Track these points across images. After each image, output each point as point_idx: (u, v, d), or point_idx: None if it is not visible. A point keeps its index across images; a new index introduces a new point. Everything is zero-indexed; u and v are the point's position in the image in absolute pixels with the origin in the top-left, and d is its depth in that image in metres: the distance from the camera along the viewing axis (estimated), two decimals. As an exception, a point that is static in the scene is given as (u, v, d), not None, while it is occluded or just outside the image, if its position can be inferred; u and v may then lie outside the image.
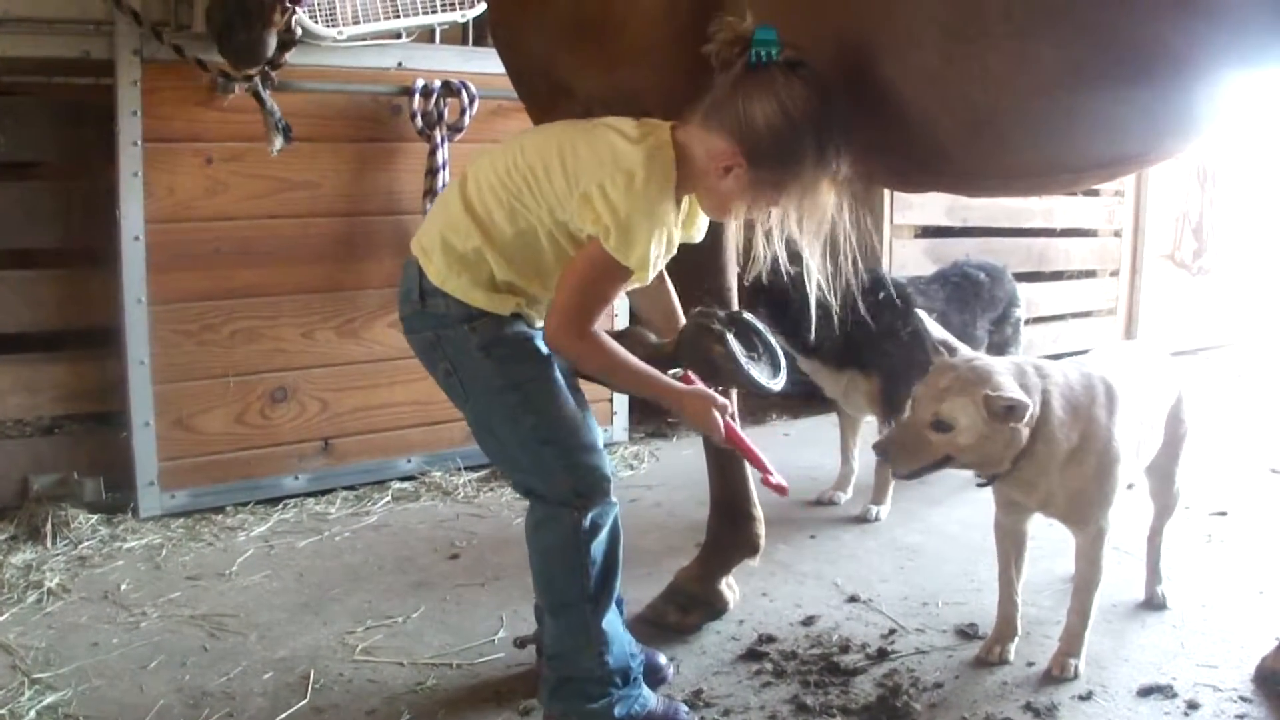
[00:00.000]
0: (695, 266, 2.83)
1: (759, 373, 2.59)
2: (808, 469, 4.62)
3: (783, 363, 2.68)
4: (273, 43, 3.66)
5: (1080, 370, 2.86)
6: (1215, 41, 2.17)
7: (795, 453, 4.97)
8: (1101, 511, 2.85)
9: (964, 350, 2.78)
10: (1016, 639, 3.01)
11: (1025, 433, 2.67)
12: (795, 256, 2.86)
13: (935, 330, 2.84)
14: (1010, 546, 3.00)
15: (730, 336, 2.55)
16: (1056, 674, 2.87)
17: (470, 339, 2.42)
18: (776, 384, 2.64)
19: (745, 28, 2.30)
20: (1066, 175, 2.67)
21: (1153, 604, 3.31)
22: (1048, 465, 2.75)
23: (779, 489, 2.56)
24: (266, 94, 3.91)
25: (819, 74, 2.31)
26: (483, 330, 2.42)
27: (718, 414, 2.49)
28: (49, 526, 3.78)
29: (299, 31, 3.79)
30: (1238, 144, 6.87)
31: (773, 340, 2.68)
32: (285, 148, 3.99)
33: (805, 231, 2.56)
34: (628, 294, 2.66)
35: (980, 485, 2.91)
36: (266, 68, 3.82)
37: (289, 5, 3.60)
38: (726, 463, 3.18)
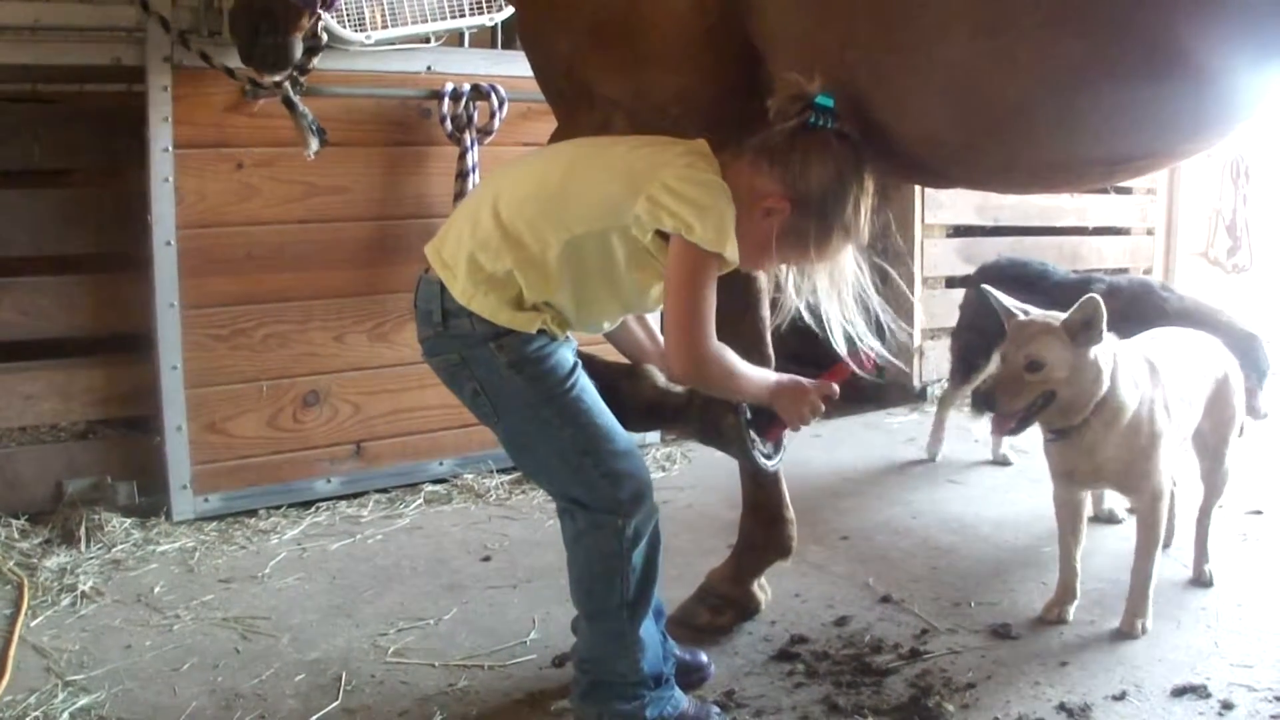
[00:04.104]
0: (727, 300, 2.67)
1: (761, 448, 2.68)
2: (839, 469, 4.61)
3: (785, 443, 2.76)
4: (299, 48, 3.67)
5: (1132, 349, 3.12)
6: (1246, 33, 2.15)
7: (827, 453, 4.96)
8: (1153, 476, 3.03)
9: (1033, 311, 3.06)
10: (1075, 602, 3.20)
11: (1106, 370, 2.92)
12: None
13: (1003, 299, 3.10)
14: (1068, 516, 3.22)
15: (745, 408, 2.61)
16: (1126, 631, 3.07)
17: (498, 357, 2.39)
18: (774, 464, 2.75)
19: (810, 89, 2.34)
20: (1098, 169, 2.63)
21: (1200, 582, 3.44)
22: (1114, 423, 2.97)
23: (866, 358, 2.58)
24: (297, 99, 3.92)
25: (863, 147, 2.40)
26: (509, 348, 2.39)
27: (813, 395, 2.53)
28: (83, 530, 3.81)
29: (325, 37, 3.80)
30: (1272, 139, 6.80)
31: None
32: (319, 151, 4.00)
33: (829, 290, 2.55)
34: (608, 335, 2.72)
35: (1050, 441, 3.07)
36: (295, 73, 3.83)
37: (317, 11, 3.61)
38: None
